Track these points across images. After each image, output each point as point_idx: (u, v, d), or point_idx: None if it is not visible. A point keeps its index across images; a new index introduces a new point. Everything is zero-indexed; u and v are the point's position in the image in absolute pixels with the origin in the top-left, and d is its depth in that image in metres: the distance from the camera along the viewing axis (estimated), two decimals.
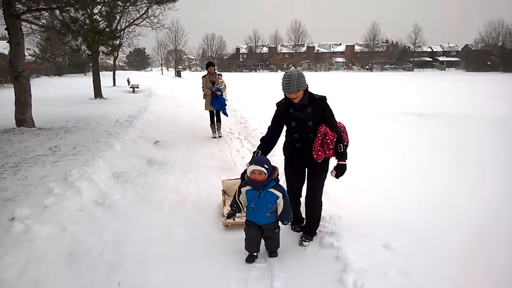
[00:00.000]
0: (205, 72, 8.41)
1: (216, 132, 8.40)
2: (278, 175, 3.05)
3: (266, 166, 2.95)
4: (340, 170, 3.26)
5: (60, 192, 4.35)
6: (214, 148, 7.30)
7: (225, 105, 8.24)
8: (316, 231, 3.48)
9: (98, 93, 17.28)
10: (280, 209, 3.04)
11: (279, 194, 2.99)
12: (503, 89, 22.83)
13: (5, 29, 8.33)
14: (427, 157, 6.27)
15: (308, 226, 3.49)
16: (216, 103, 8.05)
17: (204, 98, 8.37)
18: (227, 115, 8.62)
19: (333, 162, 3.35)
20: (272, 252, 3.22)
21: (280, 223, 3.14)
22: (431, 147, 6.96)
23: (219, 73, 8.46)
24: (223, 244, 3.45)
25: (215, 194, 4.57)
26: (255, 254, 3.14)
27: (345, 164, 3.25)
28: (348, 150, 3.35)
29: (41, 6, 8.48)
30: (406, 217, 3.82)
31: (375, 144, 7.15)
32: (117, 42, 16.77)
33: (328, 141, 3.13)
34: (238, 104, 13.96)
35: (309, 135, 3.19)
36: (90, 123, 9.83)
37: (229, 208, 3.21)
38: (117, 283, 2.79)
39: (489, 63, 72.72)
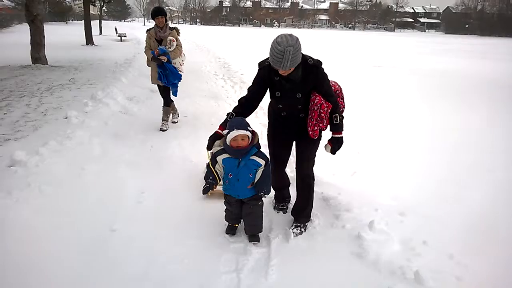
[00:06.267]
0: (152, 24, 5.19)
1: (165, 122, 5.38)
2: (258, 140, 2.58)
3: (250, 129, 2.51)
4: (336, 145, 2.76)
5: (94, 104, 6.02)
6: (202, 83, 8.95)
7: (177, 79, 5.13)
8: (310, 215, 2.96)
9: (89, 40, 18.33)
10: (257, 177, 2.57)
11: (262, 162, 2.54)
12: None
13: None
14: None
15: (299, 206, 2.94)
16: (162, 75, 4.97)
17: (148, 65, 5.20)
18: (175, 94, 5.29)
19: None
20: (253, 236, 2.71)
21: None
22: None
23: (173, 26, 5.25)
24: None
25: (205, 111, 6.37)
26: (236, 225, 2.80)
27: (342, 137, 2.76)
28: (344, 117, 2.79)
29: None
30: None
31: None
32: None
33: (322, 114, 2.60)
34: (222, 53, 15.48)
35: (297, 107, 2.66)
36: (93, 64, 11.26)
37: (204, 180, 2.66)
38: (150, 146, 4.62)
39: (467, 26, 74.59)
